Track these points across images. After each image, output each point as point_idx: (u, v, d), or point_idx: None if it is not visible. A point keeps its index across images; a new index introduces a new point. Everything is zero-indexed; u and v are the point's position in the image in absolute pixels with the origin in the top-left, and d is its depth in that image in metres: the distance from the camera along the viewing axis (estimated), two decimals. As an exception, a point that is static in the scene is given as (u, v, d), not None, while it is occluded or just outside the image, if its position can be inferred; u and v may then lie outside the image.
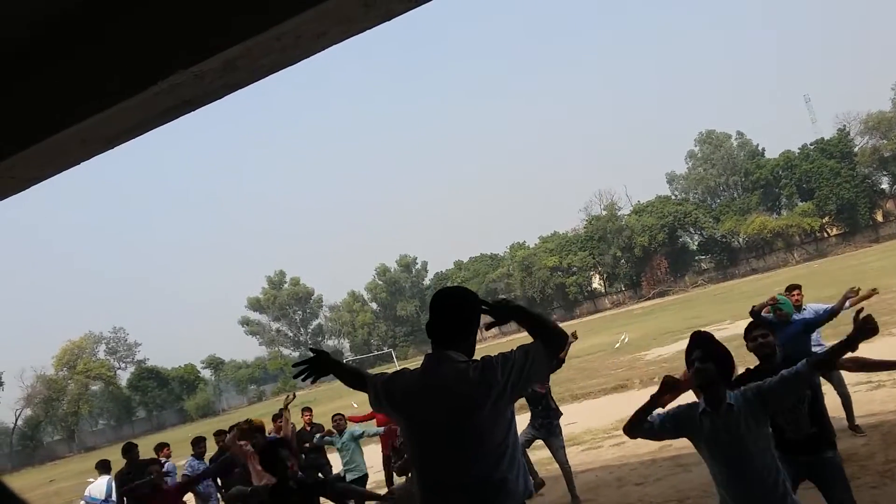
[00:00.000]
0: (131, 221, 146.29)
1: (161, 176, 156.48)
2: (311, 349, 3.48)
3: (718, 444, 3.70)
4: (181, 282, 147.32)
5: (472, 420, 2.80)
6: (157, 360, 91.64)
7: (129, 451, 9.99)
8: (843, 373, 10.64)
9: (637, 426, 3.89)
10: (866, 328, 3.62)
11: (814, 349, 8.35)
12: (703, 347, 3.77)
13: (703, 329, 4.13)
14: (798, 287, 8.57)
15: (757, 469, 3.63)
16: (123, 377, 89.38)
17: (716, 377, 3.71)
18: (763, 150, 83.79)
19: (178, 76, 3.03)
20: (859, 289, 8.31)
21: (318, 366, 3.42)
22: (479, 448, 2.80)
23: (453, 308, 3.01)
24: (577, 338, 8.97)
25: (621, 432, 11.20)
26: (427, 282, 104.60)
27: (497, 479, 2.79)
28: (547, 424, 8.62)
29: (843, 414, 8.54)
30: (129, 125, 3.54)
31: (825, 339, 8.97)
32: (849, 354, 3.70)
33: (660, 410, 3.91)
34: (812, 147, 78.43)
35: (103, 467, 10.26)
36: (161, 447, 10.73)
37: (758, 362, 4.88)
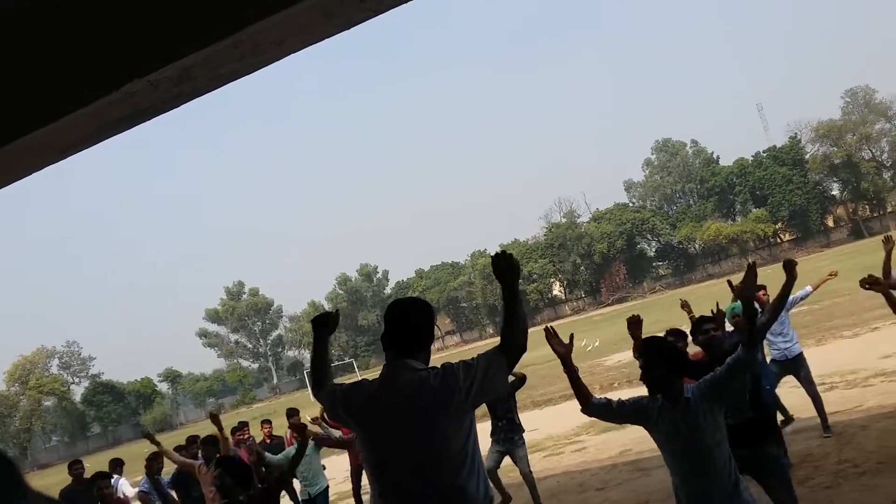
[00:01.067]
0: (84, 234, 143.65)
1: (114, 187, 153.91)
2: (327, 313, 3.39)
3: (677, 436, 3.83)
4: (137, 294, 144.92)
5: (433, 428, 2.80)
6: (112, 375, 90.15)
7: (73, 467, 9.77)
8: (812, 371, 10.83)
9: (585, 400, 4.04)
10: (748, 277, 4.00)
11: (783, 343, 8.54)
12: (647, 354, 3.92)
13: (657, 335, 4.24)
14: (763, 287, 8.81)
15: (714, 460, 3.78)
16: (77, 392, 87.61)
17: (666, 379, 3.85)
18: (718, 157, 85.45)
19: (133, 85, 2.98)
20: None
21: (331, 323, 3.36)
22: (439, 456, 2.80)
23: (410, 317, 3.07)
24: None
25: (583, 439, 11.29)
26: (388, 290, 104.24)
27: (457, 487, 2.80)
28: (510, 438, 8.65)
29: (813, 413, 8.74)
30: (82, 135, 3.47)
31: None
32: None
33: (621, 396, 4.16)
34: (765, 154, 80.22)
35: (115, 466, 10.06)
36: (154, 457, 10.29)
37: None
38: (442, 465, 2.80)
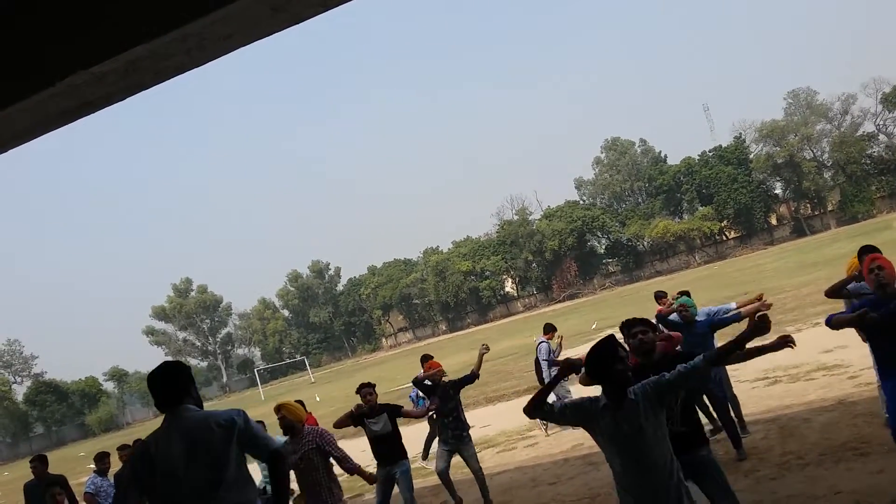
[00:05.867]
0: (25, 229, 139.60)
1: (54, 182, 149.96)
2: None
3: (620, 436, 3.86)
4: (81, 291, 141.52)
5: (221, 455, 3.50)
6: (55, 374, 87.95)
7: (32, 463, 9.54)
8: (738, 371, 11.16)
9: (537, 407, 4.08)
10: (759, 326, 3.96)
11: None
12: (617, 350, 3.92)
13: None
14: (688, 292, 9.07)
15: (656, 458, 3.83)
16: (19, 392, 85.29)
17: (629, 374, 3.90)
18: (665, 156, 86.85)
19: (77, 77, 2.90)
20: (765, 301, 8.58)
21: None
22: (229, 478, 3.50)
23: (174, 374, 3.77)
24: (488, 349, 9.32)
25: (535, 434, 11.39)
26: (340, 287, 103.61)
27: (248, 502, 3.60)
28: (457, 436, 8.71)
29: (756, 409, 8.90)
30: (24, 127, 3.37)
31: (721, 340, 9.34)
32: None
33: (567, 397, 4.13)
34: (711, 154, 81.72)
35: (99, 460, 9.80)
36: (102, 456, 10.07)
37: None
38: (233, 486, 3.50)
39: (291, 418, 6.69)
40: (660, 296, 10.77)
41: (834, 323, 5.47)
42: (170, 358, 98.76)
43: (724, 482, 4.84)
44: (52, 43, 2.90)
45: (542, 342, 12.61)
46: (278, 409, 6.78)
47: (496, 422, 14.49)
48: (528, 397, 4.12)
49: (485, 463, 10.61)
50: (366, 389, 8.12)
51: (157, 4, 2.77)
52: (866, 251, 6.97)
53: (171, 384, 3.72)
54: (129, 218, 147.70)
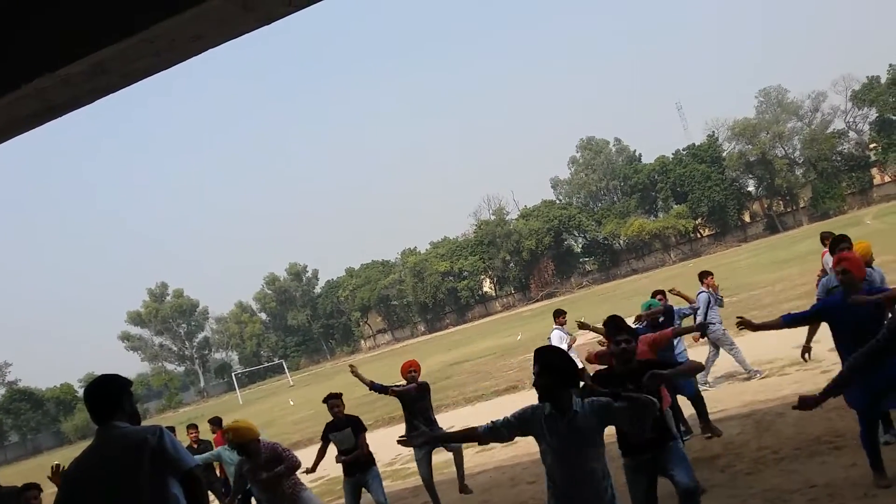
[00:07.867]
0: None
1: (33, 180, 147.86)
2: None
3: (560, 446, 3.91)
4: (55, 296, 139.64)
5: (134, 477, 3.42)
6: (30, 381, 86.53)
7: None
8: (715, 367, 11.23)
9: (490, 432, 4.17)
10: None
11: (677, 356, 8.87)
12: (540, 362, 3.95)
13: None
14: (661, 292, 9.31)
15: (591, 472, 3.90)
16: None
17: (553, 388, 3.91)
18: (640, 155, 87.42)
19: (43, 80, 2.86)
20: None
21: None
22: (143, 501, 3.42)
23: (105, 389, 3.70)
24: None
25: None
26: (318, 290, 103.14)
27: None
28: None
29: (733, 403, 9.03)
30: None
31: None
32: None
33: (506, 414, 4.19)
34: (684, 152, 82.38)
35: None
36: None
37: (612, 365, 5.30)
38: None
39: (239, 440, 6.41)
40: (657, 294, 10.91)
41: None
42: (146, 363, 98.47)
43: (690, 469, 4.96)
44: (17, 45, 2.85)
45: (701, 293, 11.49)
46: (225, 432, 6.56)
47: (475, 421, 14.43)
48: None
49: (465, 463, 10.59)
50: (333, 401, 7.85)
51: (125, 5, 2.73)
52: (837, 242, 7.09)
53: (101, 399, 3.67)
54: (105, 221, 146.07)
